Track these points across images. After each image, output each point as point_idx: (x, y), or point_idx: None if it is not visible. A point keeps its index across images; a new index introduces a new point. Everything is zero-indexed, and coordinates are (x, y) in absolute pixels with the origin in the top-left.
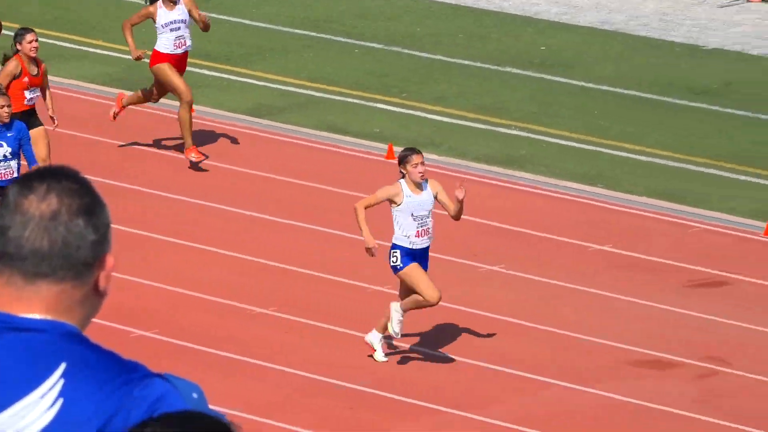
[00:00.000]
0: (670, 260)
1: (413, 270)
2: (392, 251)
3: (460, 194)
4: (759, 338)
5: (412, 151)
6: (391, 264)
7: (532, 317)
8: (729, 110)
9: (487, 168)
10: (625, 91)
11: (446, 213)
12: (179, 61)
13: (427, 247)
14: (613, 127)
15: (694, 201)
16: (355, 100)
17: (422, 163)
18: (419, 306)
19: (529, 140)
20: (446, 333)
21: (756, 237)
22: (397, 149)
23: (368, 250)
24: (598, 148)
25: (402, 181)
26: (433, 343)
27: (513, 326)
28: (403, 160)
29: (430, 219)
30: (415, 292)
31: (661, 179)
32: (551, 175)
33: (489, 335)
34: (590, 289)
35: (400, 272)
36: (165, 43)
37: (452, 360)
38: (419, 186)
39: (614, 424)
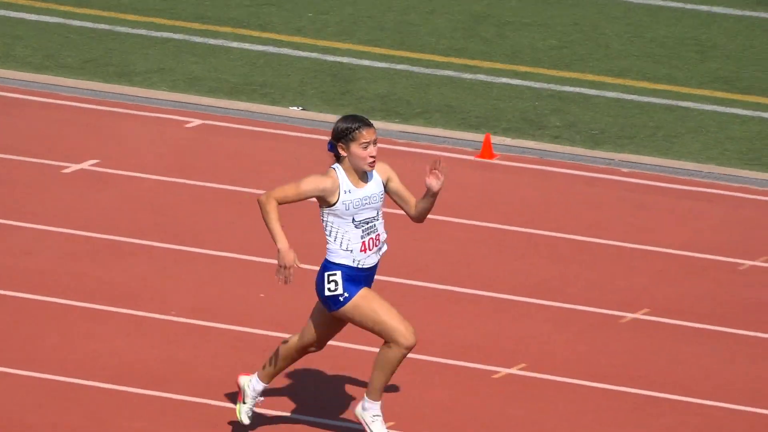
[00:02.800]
0: None
1: (368, 299)
2: (328, 274)
3: (435, 183)
4: None
5: (358, 121)
6: (328, 294)
7: None
8: None
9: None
10: None
11: (401, 210)
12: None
13: (376, 265)
14: None
15: None
16: None
17: (375, 143)
18: (389, 367)
19: None
20: None
21: None
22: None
23: (282, 270)
24: None
25: (338, 167)
26: None
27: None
28: (343, 135)
29: (381, 221)
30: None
31: None
32: None
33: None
34: None
35: (346, 307)
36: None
37: None
38: (363, 175)
39: None
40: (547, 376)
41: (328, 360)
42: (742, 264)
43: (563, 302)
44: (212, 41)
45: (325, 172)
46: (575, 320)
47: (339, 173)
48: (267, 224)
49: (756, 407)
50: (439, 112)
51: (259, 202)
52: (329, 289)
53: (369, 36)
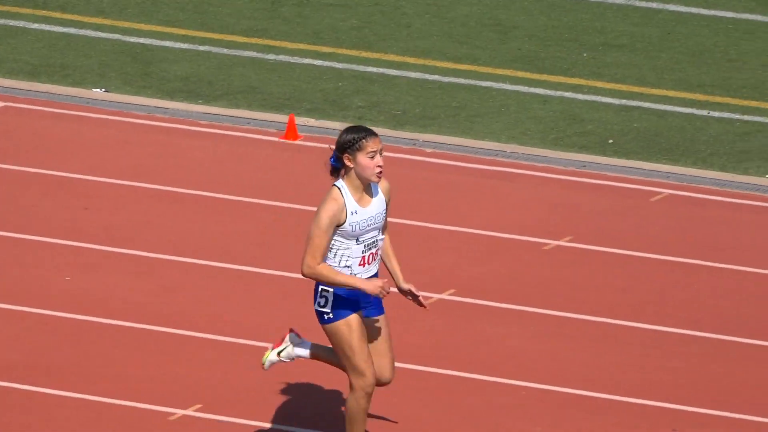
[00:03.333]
0: None
1: (349, 330)
2: (322, 289)
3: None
4: None
5: (363, 131)
6: (317, 308)
7: None
8: None
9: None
10: None
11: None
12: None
13: (376, 274)
14: None
15: None
16: None
17: (381, 152)
18: (355, 419)
19: None
20: None
21: None
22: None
23: (381, 292)
24: None
25: (342, 185)
26: None
27: None
28: (348, 146)
29: (382, 236)
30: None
31: None
32: None
33: None
34: None
35: (327, 327)
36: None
37: None
38: (368, 190)
39: None
40: None
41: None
42: (547, 243)
43: None
44: (12, 22)
45: (328, 195)
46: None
47: (344, 191)
48: (336, 284)
49: (560, 386)
50: (242, 93)
51: (308, 276)
52: (319, 304)
53: (169, 17)
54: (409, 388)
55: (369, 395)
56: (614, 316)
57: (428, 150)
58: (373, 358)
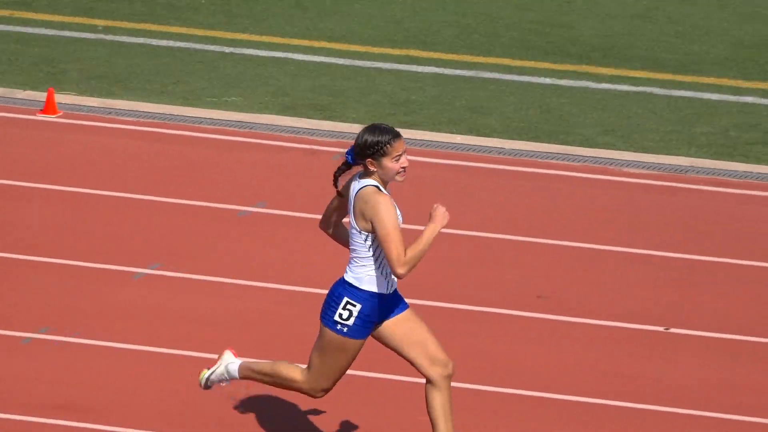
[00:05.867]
0: None
1: (350, 351)
2: (348, 301)
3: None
4: None
5: (387, 133)
6: (335, 318)
7: None
8: None
9: None
10: None
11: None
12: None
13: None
14: None
15: None
16: None
17: (405, 153)
18: (289, 386)
19: None
20: None
21: None
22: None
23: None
24: None
25: (376, 183)
26: None
27: None
28: (374, 150)
29: None
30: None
31: None
32: None
33: None
34: None
35: (335, 336)
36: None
37: None
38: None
39: None
40: None
41: None
42: None
43: None
44: None
45: (375, 194)
46: None
47: (382, 190)
48: (425, 251)
49: None
50: None
51: (407, 272)
52: (340, 315)
53: None
54: None
55: (313, 397)
56: None
57: None
58: (421, 349)
